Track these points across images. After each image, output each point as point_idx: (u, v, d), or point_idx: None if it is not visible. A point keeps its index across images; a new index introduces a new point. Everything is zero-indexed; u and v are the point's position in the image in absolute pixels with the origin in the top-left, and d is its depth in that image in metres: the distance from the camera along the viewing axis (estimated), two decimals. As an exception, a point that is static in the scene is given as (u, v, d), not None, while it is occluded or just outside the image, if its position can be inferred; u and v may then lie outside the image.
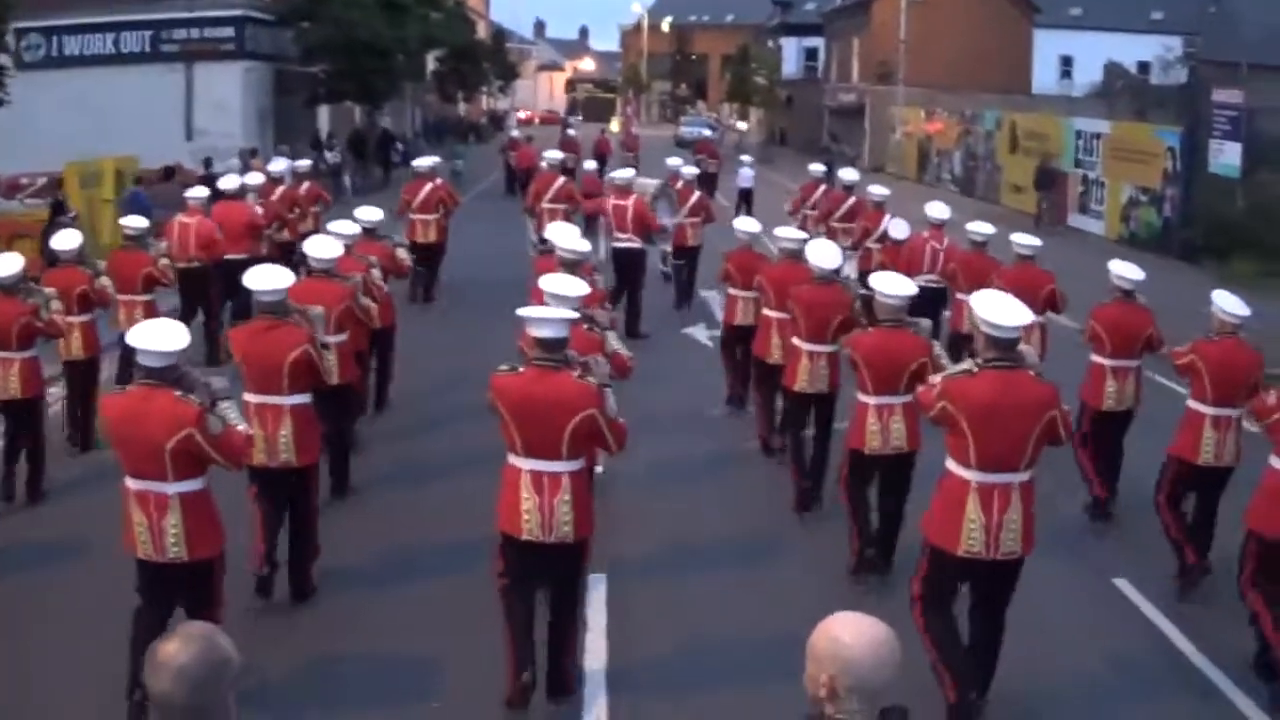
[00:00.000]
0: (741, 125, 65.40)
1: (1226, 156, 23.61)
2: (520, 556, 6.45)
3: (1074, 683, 7.27)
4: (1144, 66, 59.42)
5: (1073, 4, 64.25)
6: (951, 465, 6.44)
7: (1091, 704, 7.09)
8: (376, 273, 10.87)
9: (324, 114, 38.43)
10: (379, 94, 34.15)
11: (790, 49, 68.67)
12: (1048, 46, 58.00)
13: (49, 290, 9.97)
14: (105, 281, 11.05)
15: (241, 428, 6.38)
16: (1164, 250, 24.63)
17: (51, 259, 11.38)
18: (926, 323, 8.40)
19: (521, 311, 6.53)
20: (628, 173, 17.03)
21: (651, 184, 18.39)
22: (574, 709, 6.71)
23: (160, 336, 6.19)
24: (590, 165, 25.23)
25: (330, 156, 32.26)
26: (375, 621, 7.71)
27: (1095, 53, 60.42)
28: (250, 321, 8.07)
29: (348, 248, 10.34)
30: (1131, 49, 60.27)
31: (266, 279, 7.82)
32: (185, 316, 12.80)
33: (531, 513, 6.33)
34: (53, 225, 14.43)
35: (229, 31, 32.42)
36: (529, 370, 6.34)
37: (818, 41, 67.73)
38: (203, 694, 2.78)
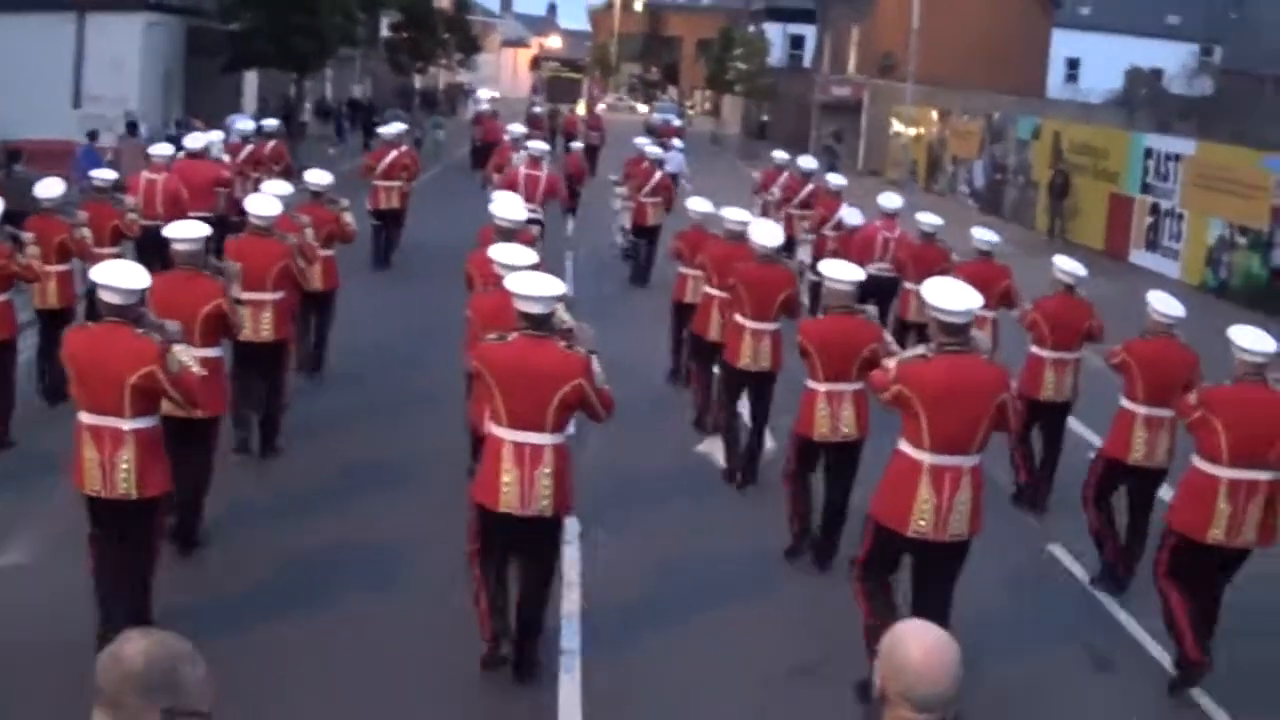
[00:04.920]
0: (691, 112, 64.35)
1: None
2: (495, 528, 6.49)
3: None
4: (1157, 74, 55.59)
5: (1082, 2, 60.02)
6: (904, 446, 6.55)
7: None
8: (309, 233, 10.95)
9: (251, 81, 33.13)
10: (304, 58, 28.32)
11: (774, 36, 63.22)
12: (1055, 46, 53.52)
13: (27, 235, 10.13)
14: (86, 233, 11.01)
15: (195, 369, 6.63)
16: (1271, 308, 19.68)
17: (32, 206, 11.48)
18: (873, 309, 8.58)
19: (509, 285, 6.53)
20: (543, 145, 17.62)
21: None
22: (550, 655, 6.93)
23: (123, 275, 6.46)
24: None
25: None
26: (328, 535, 8.48)
27: (1105, 56, 56.95)
28: (169, 272, 8.17)
29: (286, 207, 10.53)
30: (1144, 54, 56.72)
31: (184, 229, 8.08)
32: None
33: (511, 485, 6.34)
34: (9, 176, 14.06)
35: (130, -26, 27.01)
36: (517, 339, 6.37)
37: (805, 29, 62.70)
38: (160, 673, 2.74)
